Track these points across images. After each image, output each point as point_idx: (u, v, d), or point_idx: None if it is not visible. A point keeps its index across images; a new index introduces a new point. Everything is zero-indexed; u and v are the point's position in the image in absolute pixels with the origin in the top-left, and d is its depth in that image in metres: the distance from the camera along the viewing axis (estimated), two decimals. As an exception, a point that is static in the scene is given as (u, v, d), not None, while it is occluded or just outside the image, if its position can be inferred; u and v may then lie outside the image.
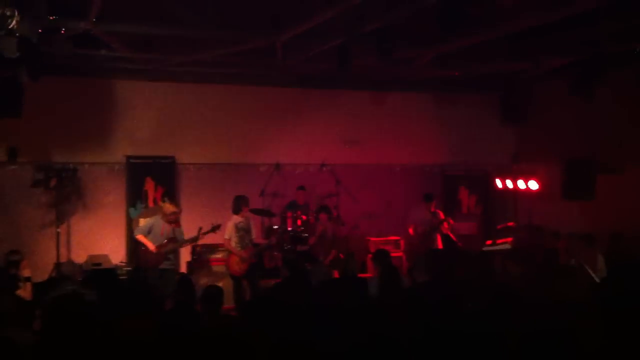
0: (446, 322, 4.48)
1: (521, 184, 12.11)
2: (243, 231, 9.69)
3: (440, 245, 11.32)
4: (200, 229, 9.50)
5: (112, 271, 9.53)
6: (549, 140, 12.51)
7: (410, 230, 11.50)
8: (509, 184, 12.39)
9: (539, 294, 5.43)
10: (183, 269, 10.60)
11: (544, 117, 12.59)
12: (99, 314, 5.32)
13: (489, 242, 11.51)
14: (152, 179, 11.46)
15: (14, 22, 6.42)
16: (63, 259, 10.41)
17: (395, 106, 13.13)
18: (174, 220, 9.45)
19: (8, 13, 6.37)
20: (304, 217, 10.99)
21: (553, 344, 3.66)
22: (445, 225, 11.37)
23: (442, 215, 11.44)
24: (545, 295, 5.34)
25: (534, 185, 11.88)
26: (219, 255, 10.50)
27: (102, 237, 11.25)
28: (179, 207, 9.73)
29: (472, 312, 5.38)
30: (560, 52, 9.83)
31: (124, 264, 10.72)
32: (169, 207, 9.50)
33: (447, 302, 5.26)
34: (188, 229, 9.74)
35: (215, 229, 9.57)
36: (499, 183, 12.63)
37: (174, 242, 9.39)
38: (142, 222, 10.41)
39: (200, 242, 9.90)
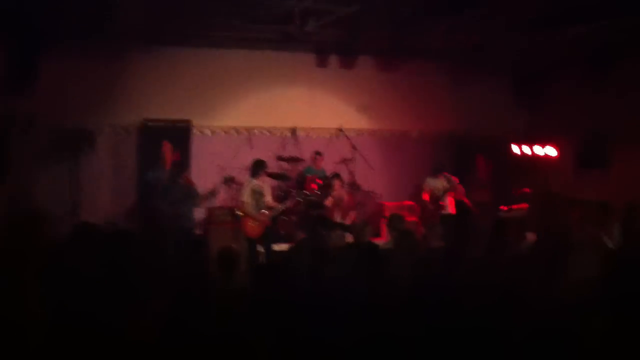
0: (457, 299, 4.50)
1: (538, 150, 12.02)
2: (259, 194, 9.73)
3: (453, 210, 11.30)
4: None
5: (130, 233, 9.61)
6: (563, 114, 12.36)
7: (425, 196, 11.49)
8: (526, 150, 12.31)
9: (553, 265, 5.44)
10: (198, 231, 10.68)
11: (559, 91, 12.45)
12: (120, 276, 5.38)
13: (504, 207, 11.49)
14: (169, 142, 11.50)
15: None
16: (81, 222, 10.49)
17: (412, 73, 12.99)
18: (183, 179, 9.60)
19: None
20: (319, 182, 11.02)
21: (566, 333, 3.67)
22: (458, 189, 11.30)
23: (455, 180, 11.38)
24: (559, 267, 5.34)
25: (551, 151, 11.79)
26: (233, 218, 10.57)
27: (119, 200, 11.38)
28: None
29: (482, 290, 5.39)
30: (579, 24, 9.67)
31: (140, 227, 10.82)
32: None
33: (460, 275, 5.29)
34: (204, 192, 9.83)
35: (228, 181, 9.65)
36: (515, 149, 12.54)
37: (190, 200, 9.48)
38: (158, 184, 10.48)
39: (215, 203, 9.99)
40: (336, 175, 11.04)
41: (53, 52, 9.77)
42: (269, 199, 9.92)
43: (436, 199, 11.22)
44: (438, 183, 11.31)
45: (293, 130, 12.13)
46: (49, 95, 10.58)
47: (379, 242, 8.31)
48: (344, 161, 11.86)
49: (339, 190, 10.84)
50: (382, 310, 4.45)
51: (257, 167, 9.82)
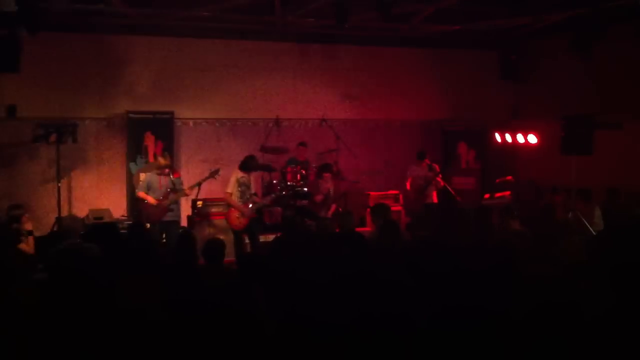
0: (445, 280, 4.55)
1: (520, 138, 12.11)
2: (244, 186, 9.71)
3: (435, 199, 11.34)
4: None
5: (113, 225, 9.57)
6: (547, 97, 12.48)
7: (407, 185, 11.53)
8: (508, 138, 12.38)
9: (537, 250, 5.50)
10: (184, 223, 10.66)
11: (543, 73, 12.55)
12: (102, 268, 5.38)
13: (487, 195, 11.56)
14: (152, 133, 11.48)
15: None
16: (64, 214, 10.47)
17: (395, 61, 13.07)
18: (168, 173, 9.48)
19: None
20: (303, 172, 11.02)
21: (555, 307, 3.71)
22: (439, 178, 11.31)
23: (437, 169, 11.40)
24: (543, 251, 5.41)
25: (533, 139, 11.88)
26: (219, 209, 10.56)
27: (102, 192, 11.37)
28: (168, 159, 9.75)
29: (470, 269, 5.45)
30: (560, 7, 9.75)
31: (125, 218, 10.81)
32: (160, 160, 9.64)
33: (446, 258, 5.33)
34: (188, 183, 9.79)
35: (214, 173, 9.61)
36: (498, 137, 12.62)
37: (174, 192, 9.43)
38: (143, 177, 10.45)
39: (201, 195, 9.95)
40: (326, 167, 10.96)
41: (34, 43, 9.67)
42: (254, 190, 9.90)
43: (419, 187, 11.23)
44: (420, 171, 11.32)
45: (276, 121, 12.11)
46: (31, 86, 10.55)
47: (364, 231, 8.37)
48: (329, 151, 11.85)
49: (328, 182, 10.82)
50: (368, 297, 4.49)
51: (249, 162, 9.75)
